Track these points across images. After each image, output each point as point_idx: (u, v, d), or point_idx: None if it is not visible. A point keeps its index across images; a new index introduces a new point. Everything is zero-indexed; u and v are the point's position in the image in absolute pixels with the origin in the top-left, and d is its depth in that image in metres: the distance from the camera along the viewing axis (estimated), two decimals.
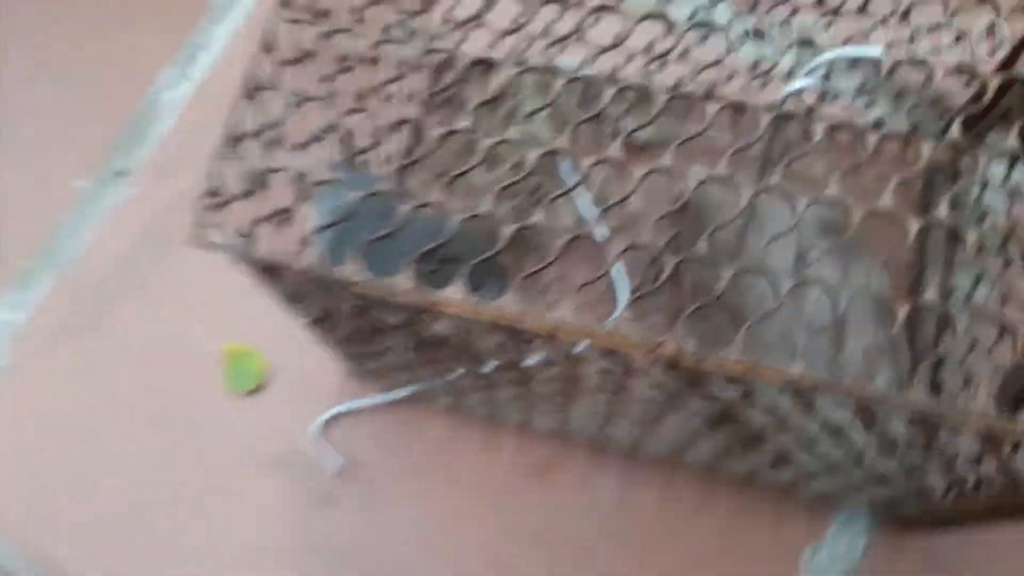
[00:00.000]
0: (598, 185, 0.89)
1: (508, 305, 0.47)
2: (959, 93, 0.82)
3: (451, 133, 0.49)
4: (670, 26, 0.86)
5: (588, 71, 0.91)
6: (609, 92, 0.50)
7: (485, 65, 0.91)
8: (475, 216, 0.50)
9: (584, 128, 0.93)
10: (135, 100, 1.00)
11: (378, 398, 0.84)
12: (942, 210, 0.96)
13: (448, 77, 0.93)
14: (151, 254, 0.92)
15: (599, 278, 0.82)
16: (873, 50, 0.50)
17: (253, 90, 0.52)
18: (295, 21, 0.53)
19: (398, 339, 0.59)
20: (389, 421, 0.84)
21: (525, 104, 0.88)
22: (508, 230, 0.47)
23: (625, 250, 0.48)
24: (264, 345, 0.86)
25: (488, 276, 0.55)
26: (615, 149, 0.49)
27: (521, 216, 0.47)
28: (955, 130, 0.92)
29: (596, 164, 0.48)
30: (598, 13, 0.54)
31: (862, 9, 0.68)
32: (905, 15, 0.55)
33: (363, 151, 0.49)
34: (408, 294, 0.47)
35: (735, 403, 0.56)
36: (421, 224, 0.56)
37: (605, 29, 0.67)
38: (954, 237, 0.89)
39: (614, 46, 0.59)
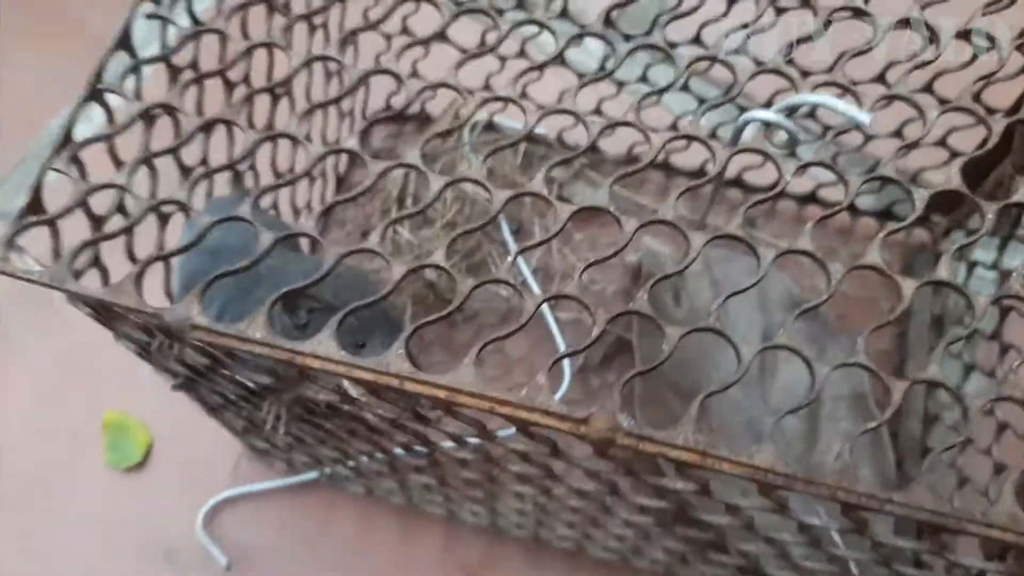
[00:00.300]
0: (541, 252, 0.79)
1: (392, 363, 0.36)
2: (936, 170, 0.74)
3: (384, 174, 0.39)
4: (620, 87, 0.78)
5: (535, 131, 0.82)
6: (554, 155, 0.40)
7: (420, 119, 0.82)
8: (362, 253, 0.39)
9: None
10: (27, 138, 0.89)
11: (278, 481, 0.71)
12: (924, 293, 0.87)
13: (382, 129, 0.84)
14: (26, 310, 0.80)
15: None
16: (860, 114, 0.41)
17: (96, 89, 0.42)
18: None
19: (275, 408, 0.48)
20: (292, 508, 0.72)
21: (462, 163, 0.79)
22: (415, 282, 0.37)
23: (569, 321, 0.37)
24: (150, 416, 0.74)
25: (377, 330, 0.44)
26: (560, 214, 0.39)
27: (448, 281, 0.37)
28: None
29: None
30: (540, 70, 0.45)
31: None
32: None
33: (272, 187, 0.39)
34: (257, 344, 0.36)
35: (689, 500, 0.45)
36: (302, 266, 0.46)
37: (551, 85, 0.59)
38: (938, 324, 0.80)
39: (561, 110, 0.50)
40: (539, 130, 0.83)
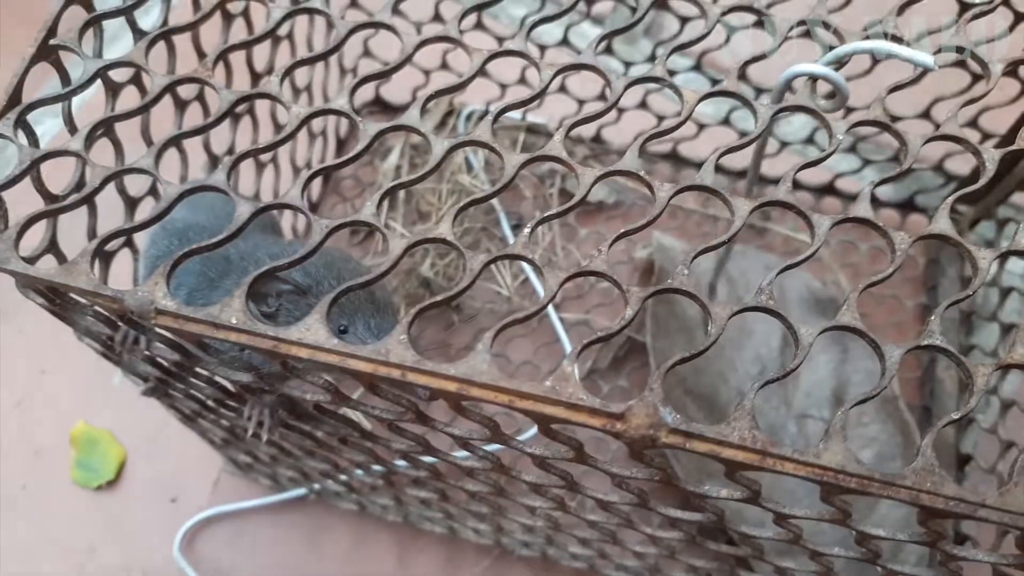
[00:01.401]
0: (543, 249, 0.74)
1: (392, 351, 0.30)
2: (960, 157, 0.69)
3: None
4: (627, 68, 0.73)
5: (534, 119, 0.77)
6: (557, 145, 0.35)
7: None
8: (349, 225, 0.34)
9: (525, 182, 0.79)
10: None
11: (262, 499, 0.66)
12: (952, 289, 0.82)
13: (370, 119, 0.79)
14: None
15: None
16: (924, 57, 0.36)
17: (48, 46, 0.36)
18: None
19: (257, 412, 0.42)
20: (278, 528, 0.66)
21: (458, 154, 0.73)
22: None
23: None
24: (123, 429, 0.68)
25: (360, 313, 0.39)
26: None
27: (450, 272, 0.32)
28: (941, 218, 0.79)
29: (537, 225, 0.33)
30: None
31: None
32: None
33: (251, 151, 0.33)
34: (233, 330, 0.31)
35: (726, 510, 0.39)
36: (273, 250, 0.40)
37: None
38: (967, 320, 0.75)
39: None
40: (539, 119, 0.79)
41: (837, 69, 0.37)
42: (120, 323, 0.38)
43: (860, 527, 0.35)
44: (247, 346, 0.31)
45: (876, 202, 0.77)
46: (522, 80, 0.70)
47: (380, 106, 0.80)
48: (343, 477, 0.55)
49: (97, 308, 0.36)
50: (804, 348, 0.31)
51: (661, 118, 0.71)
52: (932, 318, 0.33)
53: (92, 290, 0.32)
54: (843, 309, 0.33)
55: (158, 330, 0.32)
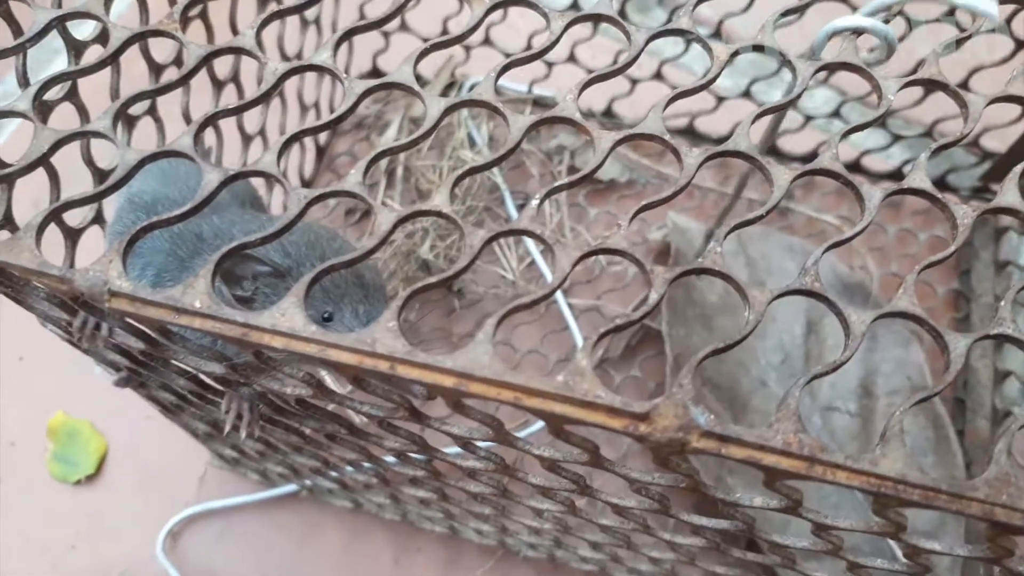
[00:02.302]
0: (551, 231, 0.70)
1: (380, 341, 0.26)
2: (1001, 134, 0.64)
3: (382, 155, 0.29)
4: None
5: (541, 92, 0.73)
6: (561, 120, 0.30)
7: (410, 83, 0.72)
8: (339, 196, 0.29)
9: (532, 159, 0.75)
10: None
11: (251, 495, 0.62)
12: (986, 274, 0.78)
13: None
14: None
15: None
16: (987, 4, 0.32)
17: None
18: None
19: (235, 406, 0.38)
20: (268, 526, 0.62)
21: (457, 132, 0.69)
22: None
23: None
24: (105, 420, 0.64)
25: (347, 298, 0.35)
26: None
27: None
28: (1008, 190, 0.74)
29: (546, 197, 0.28)
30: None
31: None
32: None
33: (221, 113, 0.29)
34: (197, 315, 0.26)
35: (752, 521, 0.35)
36: (251, 226, 0.36)
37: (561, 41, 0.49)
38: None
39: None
40: (546, 92, 0.74)
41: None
42: (78, 308, 0.34)
43: (914, 541, 0.31)
44: (212, 334, 0.27)
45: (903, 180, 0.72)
46: (529, 49, 0.66)
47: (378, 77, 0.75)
48: (334, 474, 0.51)
49: (46, 290, 0.32)
50: (856, 337, 0.27)
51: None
52: (1003, 304, 0.28)
53: (36, 268, 0.28)
54: (899, 293, 0.28)
55: (115, 315, 0.28)
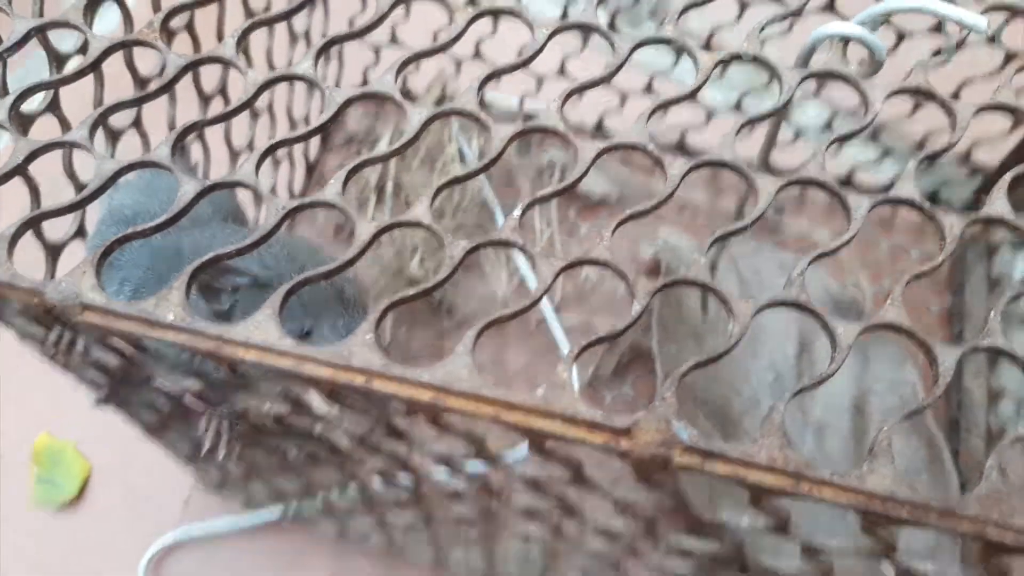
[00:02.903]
0: (541, 246, 0.69)
1: (355, 354, 0.25)
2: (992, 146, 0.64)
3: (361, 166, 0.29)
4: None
5: (530, 108, 0.72)
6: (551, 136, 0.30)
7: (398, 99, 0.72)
8: (318, 207, 0.29)
9: (523, 176, 0.74)
10: None
11: (234, 521, 0.61)
12: (980, 291, 0.77)
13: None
14: None
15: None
16: (975, 18, 0.31)
17: None
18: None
19: (214, 425, 0.37)
20: (252, 553, 0.61)
21: (448, 147, 0.69)
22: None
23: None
24: (88, 442, 0.64)
25: (327, 313, 0.34)
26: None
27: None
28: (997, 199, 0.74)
29: (529, 207, 0.28)
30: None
31: None
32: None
33: (206, 122, 0.29)
34: (170, 329, 0.26)
35: (741, 542, 0.34)
36: (232, 239, 0.36)
37: (551, 55, 0.49)
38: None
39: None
40: (537, 106, 0.74)
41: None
42: (52, 323, 0.33)
43: (906, 562, 0.30)
44: (185, 347, 0.26)
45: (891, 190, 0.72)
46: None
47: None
48: (318, 498, 0.50)
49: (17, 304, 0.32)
50: (843, 350, 0.27)
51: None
52: (993, 315, 0.28)
53: (7, 281, 0.27)
54: (886, 305, 0.28)
55: (86, 329, 0.28)
